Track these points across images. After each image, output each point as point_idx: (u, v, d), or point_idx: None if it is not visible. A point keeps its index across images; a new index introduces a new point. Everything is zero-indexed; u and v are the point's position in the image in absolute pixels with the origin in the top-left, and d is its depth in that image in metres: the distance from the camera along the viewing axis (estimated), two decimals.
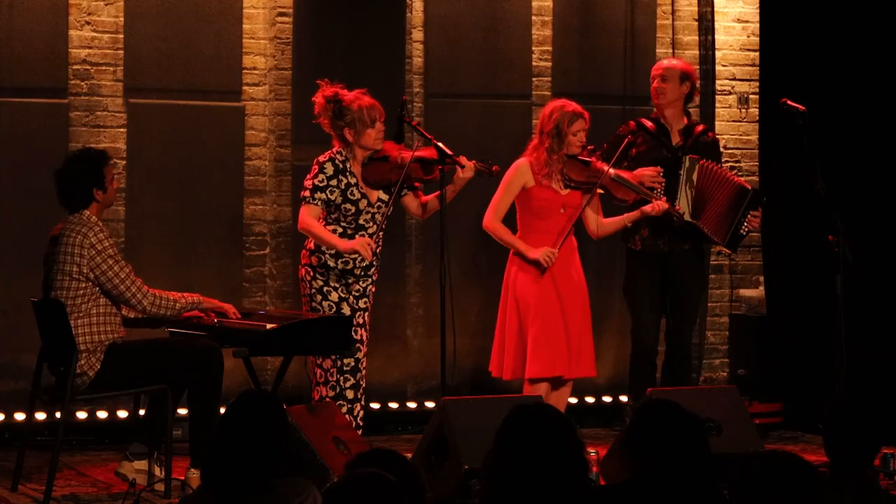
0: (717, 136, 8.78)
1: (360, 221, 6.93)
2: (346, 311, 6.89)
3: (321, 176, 6.88)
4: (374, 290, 7.07)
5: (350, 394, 6.87)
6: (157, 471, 6.54)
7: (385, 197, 6.98)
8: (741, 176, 8.92)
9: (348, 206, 6.90)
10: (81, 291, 6.36)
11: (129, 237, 7.86)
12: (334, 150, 6.95)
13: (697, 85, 7.67)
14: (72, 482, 6.78)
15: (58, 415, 6.58)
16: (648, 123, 7.51)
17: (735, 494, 3.66)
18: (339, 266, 6.92)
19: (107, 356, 6.35)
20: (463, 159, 6.89)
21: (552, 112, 7.18)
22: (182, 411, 6.96)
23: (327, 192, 6.86)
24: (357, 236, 6.91)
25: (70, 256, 6.35)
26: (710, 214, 7.42)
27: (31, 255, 7.64)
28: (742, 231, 7.49)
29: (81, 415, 7.76)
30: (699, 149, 7.49)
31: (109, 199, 6.56)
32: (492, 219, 7.20)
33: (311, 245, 6.98)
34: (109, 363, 6.35)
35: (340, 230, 6.93)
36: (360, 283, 6.97)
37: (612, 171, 7.15)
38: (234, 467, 4.06)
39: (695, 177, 7.36)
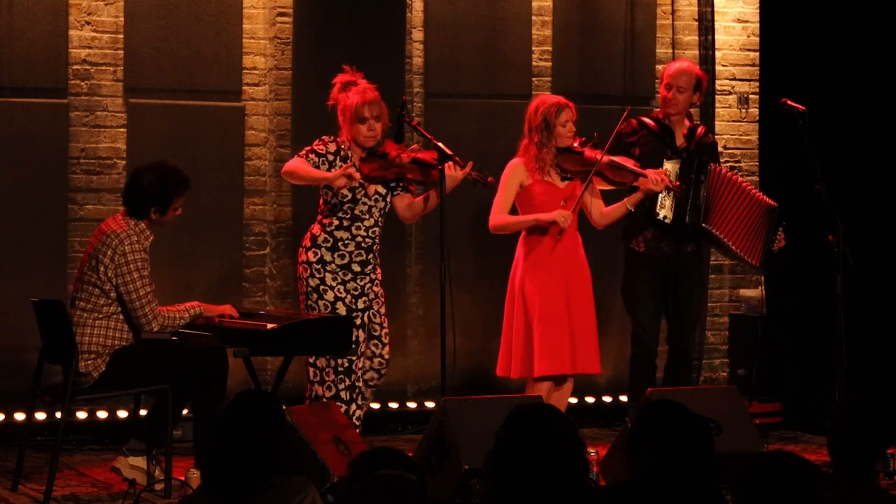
0: (717, 137, 8.80)
1: (356, 212, 6.94)
2: (342, 310, 6.89)
3: (323, 147, 6.93)
4: (379, 290, 7.05)
5: (345, 395, 6.87)
6: (155, 471, 6.54)
7: (383, 191, 6.99)
8: (741, 176, 8.93)
9: (345, 191, 6.91)
10: (106, 293, 6.38)
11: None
12: (340, 139, 6.99)
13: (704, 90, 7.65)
14: (72, 482, 6.78)
15: (58, 415, 6.58)
16: (650, 122, 7.48)
17: (736, 494, 3.66)
18: (337, 261, 6.93)
19: (112, 359, 6.36)
20: (449, 168, 6.86)
21: (537, 107, 7.21)
22: (184, 411, 6.98)
23: (321, 161, 6.89)
24: (353, 227, 6.94)
25: (103, 255, 6.39)
26: (730, 227, 7.33)
27: (32, 255, 7.68)
28: (774, 249, 7.46)
29: (81, 415, 7.76)
30: (701, 150, 7.47)
31: (164, 221, 6.60)
32: (495, 216, 7.19)
33: (308, 242, 7.00)
34: (113, 366, 6.36)
35: (337, 221, 6.95)
36: (358, 281, 6.96)
37: (605, 156, 7.14)
38: (232, 467, 4.07)
39: (706, 182, 7.30)
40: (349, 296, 6.93)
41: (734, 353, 9.00)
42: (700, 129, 7.57)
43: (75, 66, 7.87)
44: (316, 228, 7.01)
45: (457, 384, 7.72)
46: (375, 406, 8.27)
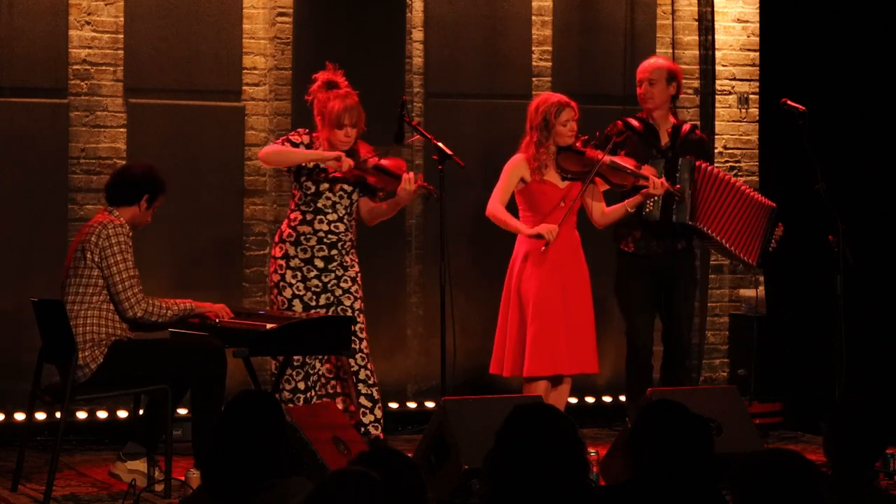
0: (717, 137, 8.79)
1: (319, 205, 7.02)
2: (298, 307, 6.95)
3: (298, 138, 7.04)
4: (350, 286, 7.06)
5: (302, 385, 6.93)
6: (154, 472, 6.54)
7: (349, 188, 7.06)
8: (740, 176, 8.93)
9: (309, 184, 7.02)
10: (94, 282, 6.40)
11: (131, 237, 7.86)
12: (315, 134, 7.06)
13: (682, 83, 7.61)
14: (72, 482, 6.78)
15: (58, 415, 6.59)
16: (635, 123, 7.47)
17: (737, 493, 3.65)
18: (300, 255, 7.00)
19: (110, 352, 6.37)
20: (410, 175, 6.93)
21: (538, 106, 7.21)
22: (182, 411, 6.98)
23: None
24: (315, 222, 7.01)
25: (87, 244, 6.43)
26: (721, 224, 7.31)
27: (31, 255, 7.68)
28: (770, 249, 7.46)
29: (81, 415, 7.76)
30: (688, 147, 7.45)
31: (142, 218, 6.62)
32: (494, 203, 7.19)
33: (276, 238, 7.11)
34: (111, 359, 6.37)
35: (301, 216, 7.05)
36: (322, 277, 7.02)
37: (607, 157, 7.15)
38: (231, 467, 4.07)
39: (691, 179, 7.30)
40: (309, 293, 7.00)
41: (734, 353, 8.99)
42: (685, 127, 7.55)
43: (75, 66, 7.87)
44: (283, 224, 7.14)
45: (457, 384, 7.72)
46: None
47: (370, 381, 7.09)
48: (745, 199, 7.37)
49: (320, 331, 6.56)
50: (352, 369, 7.07)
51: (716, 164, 8.64)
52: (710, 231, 7.31)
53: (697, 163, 7.33)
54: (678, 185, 7.25)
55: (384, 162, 7.02)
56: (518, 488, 3.67)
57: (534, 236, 7.11)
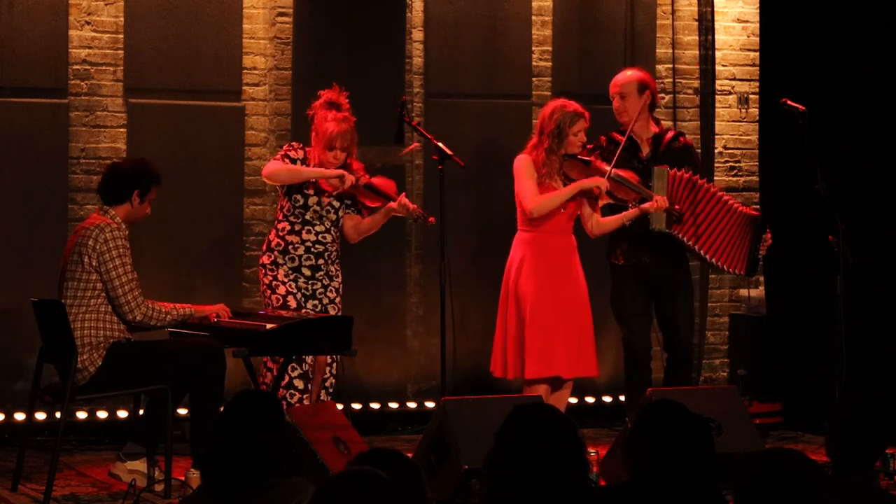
0: (717, 137, 8.78)
1: (307, 217, 7.10)
2: (293, 303, 7.00)
3: (294, 153, 7.11)
4: (334, 297, 7.12)
5: (299, 384, 6.93)
6: (154, 472, 6.54)
7: (336, 204, 7.14)
8: (740, 176, 8.94)
9: (298, 196, 7.09)
10: (91, 285, 6.39)
11: (128, 237, 7.84)
12: (309, 148, 7.13)
13: (657, 90, 7.57)
14: (72, 482, 6.78)
15: (58, 415, 6.59)
16: (619, 137, 7.42)
17: (740, 493, 3.65)
18: (288, 264, 7.06)
19: (108, 354, 6.37)
20: (401, 198, 7.04)
21: (553, 112, 7.16)
22: (182, 411, 6.98)
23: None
24: (303, 232, 7.09)
25: (84, 248, 6.41)
26: (698, 233, 7.29)
27: (31, 255, 7.68)
28: (759, 256, 7.44)
29: (81, 415, 7.76)
30: (671, 156, 7.40)
31: (138, 212, 6.62)
32: (531, 199, 7.11)
33: (265, 247, 7.17)
34: (110, 361, 6.37)
35: (289, 226, 7.11)
36: (309, 284, 7.09)
37: (613, 170, 7.13)
38: (231, 467, 4.07)
39: (666, 187, 7.25)
40: (299, 293, 7.07)
41: (734, 353, 8.99)
42: (668, 134, 7.51)
43: (75, 66, 7.87)
44: (271, 234, 7.20)
45: (457, 384, 7.73)
46: (375, 406, 8.28)
47: (330, 390, 7.19)
48: (725, 209, 7.34)
49: (320, 331, 6.56)
50: (325, 383, 7.14)
51: (715, 165, 8.67)
52: (686, 240, 7.28)
53: (670, 172, 7.27)
54: (677, 206, 7.22)
55: (374, 181, 7.09)
56: (518, 488, 3.67)
57: (593, 186, 7.10)
